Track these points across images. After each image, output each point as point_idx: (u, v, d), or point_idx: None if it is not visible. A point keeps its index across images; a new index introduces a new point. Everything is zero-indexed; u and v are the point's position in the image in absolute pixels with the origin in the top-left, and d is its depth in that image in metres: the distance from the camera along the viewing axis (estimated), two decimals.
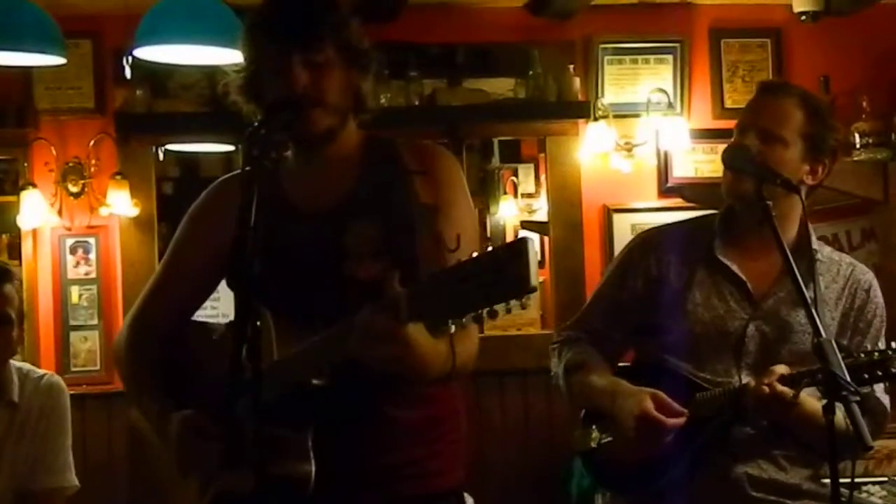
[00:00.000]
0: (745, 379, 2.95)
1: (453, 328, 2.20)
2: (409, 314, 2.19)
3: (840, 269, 3.09)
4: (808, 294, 2.74)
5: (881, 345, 3.01)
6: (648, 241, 3.23)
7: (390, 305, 2.21)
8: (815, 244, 3.04)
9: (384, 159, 2.68)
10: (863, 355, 2.85)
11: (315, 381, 2.43)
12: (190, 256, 2.81)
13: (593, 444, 3.10)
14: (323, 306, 2.49)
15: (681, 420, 2.90)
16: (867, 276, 3.13)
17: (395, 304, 2.20)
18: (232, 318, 2.29)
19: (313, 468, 2.48)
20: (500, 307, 2.06)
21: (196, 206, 2.85)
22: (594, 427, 3.11)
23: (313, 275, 2.57)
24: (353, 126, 2.69)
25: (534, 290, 2.01)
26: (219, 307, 4.10)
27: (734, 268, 3.06)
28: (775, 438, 3.01)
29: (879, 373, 2.83)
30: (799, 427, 2.92)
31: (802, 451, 3.05)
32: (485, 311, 2.07)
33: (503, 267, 2.03)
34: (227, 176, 2.87)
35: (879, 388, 3.01)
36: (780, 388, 2.80)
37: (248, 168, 2.30)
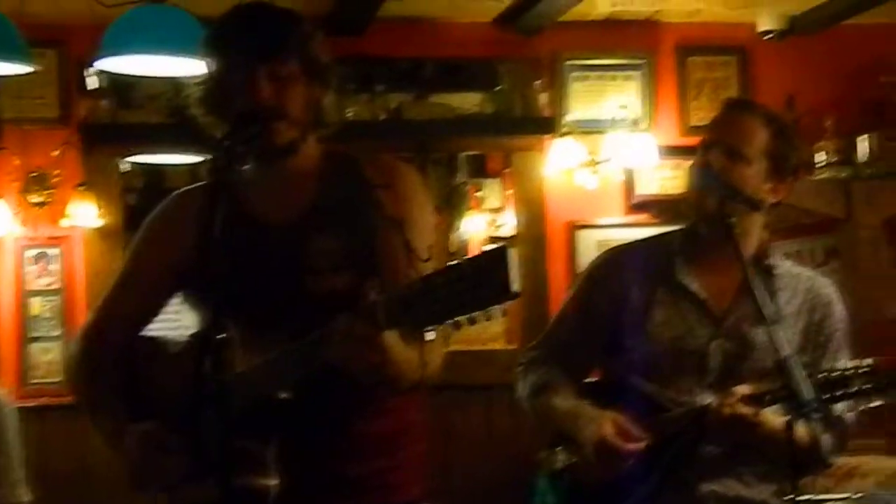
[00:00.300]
0: (709, 397, 2.96)
1: (431, 336, 2.21)
2: (388, 321, 2.20)
3: (800, 283, 3.10)
4: (769, 310, 2.75)
5: (844, 359, 3.02)
6: (611, 259, 3.24)
7: (368, 312, 2.21)
8: (774, 259, 3.05)
9: (345, 173, 2.68)
10: (822, 375, 2.86)
11: (282, 395, 2.43)
12: (145, 269, 2.79)
13: (559, 466, 3.10)
14: (285, 320, 2.48)
15: (640, 446, 2.90)
16: (828, 289, 3.14)
17: (373, 311, 2.20)
18: (193, 331, 2.28)
19: (277, 481, 2.47)
20: (478, 314, 2.06)
21: (152, 218, 2.83)
22: (559, 448, 3.11)
23: (275, 288, 2.56)
24: (313, 140, 2.69)
25: (516, 295, 2.01)
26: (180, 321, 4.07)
27: (694, 287, 3.06)
28: (740, 456, 3.01)
29: (839, 393, 2.84)
30: (763, 444, 2.93)
31: (769, 468, 3.06)
32: (465, 318, 2.08)
33: (484, 273, 2.03)
34: (183, 189, 2.86)
35: (843, 404, 3.02)
36: (741, 409, 2.81)
37: (214, 180, 2.29)
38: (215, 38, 2.64)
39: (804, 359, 2.94)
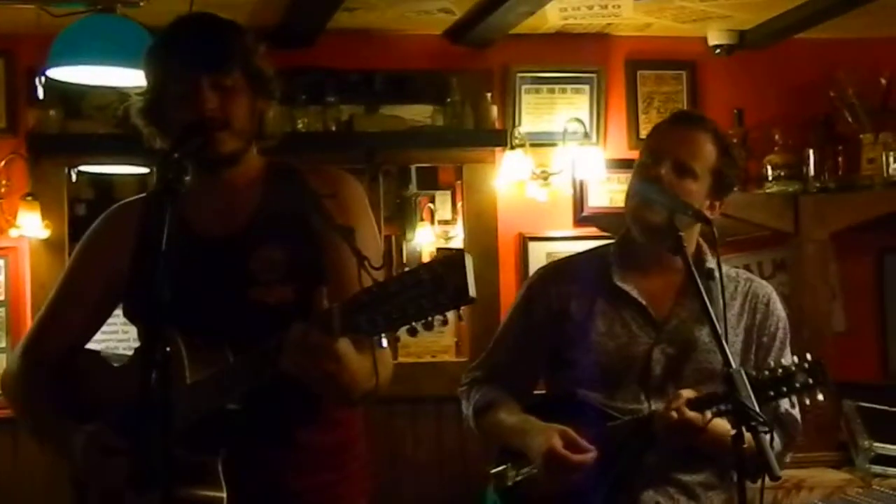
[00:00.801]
0: (654, 404, 2.97)
1: (385, 342, 2.21)
2: (343, 328, 2.20)
3: (738, 285, 3.14)
4: (716, 318, 2.77)
5: (787, 357, 3.05)
6: (547, 275, 3.25)
7: (322, 320, 2.21)
8: (711, 263, 3.08)
9: (288, 184, 2.68)
10: (766, 372, 2.89)
11: (230, 406, 2.42)
12: (84, 284, 2.78)
13: (509, 483, 3.10)
14: (232, 332, 2.48)
15: (588, 457, 2.91)
16: (766, 289, 3.18)
17: (327, 319, 2.20)
18: (136, 345, 2.27)
19: (225, 494, 2.46)
20: (435, 319, 2.10)
21: (91, 233, 2.82)
22: (509, 465, 3.11)
23: (220, 300, 2.56)
24: (255, 152, 2.69)
25: (473, 300, 2.05)
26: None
27: (634, 293, 3.08)
28: (683, 464, 3.03)
29: (784, 388, 2.88)
30: (710, 448, 2.95)
31: (713, 477, 3.08)
32: (420, 323, 2.10)
33: (442, 278, 2.06)
34: (121, 203, 2.86)
35: (789, 402, 3.04)
36: (688, 413, 2.82)
37: (162, 192, 2.28)
38: (158, 48, 2.64)
39: (749, 357, 2.98)
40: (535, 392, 3.29)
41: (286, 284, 2.56)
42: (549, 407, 3.11)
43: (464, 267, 2.05)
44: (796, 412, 3.09)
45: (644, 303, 3.08)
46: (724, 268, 3.11)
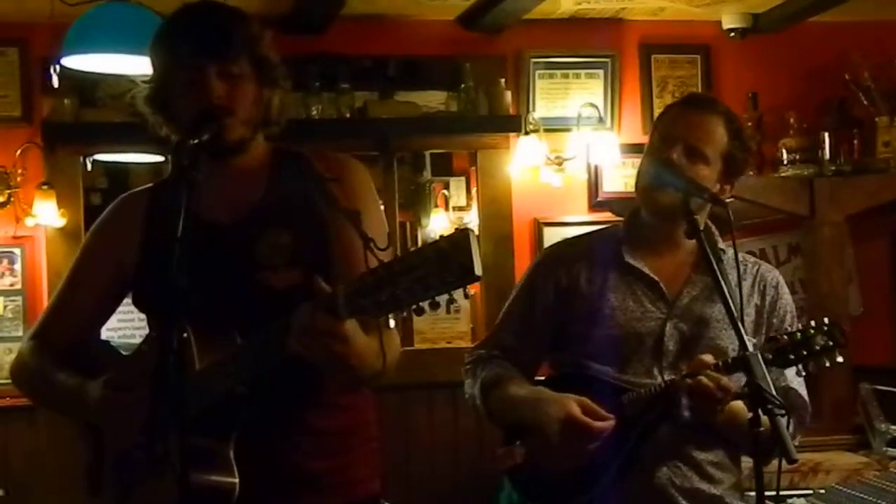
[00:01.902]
0: (668, 377, 2.98)
1: (392, 322, 2.22)
2: (349, 309, 2.21)
3: (747, 267, 3.15)
4: (735, 303, 2.77)
5: (798, 326, 3.05)
6: (554, 254, 3.26)
7: (328, 302, 2.22)
8: (722, 245, 3.08)
9: (293, 169, 2.70)
10: (786, 336, 2.89)
11: (239, 391, 2.43)
12: (93, 273, 2.79)
13: (519, 460, 3.10)
14: (240, 317, 2.49)
15: (608, 424, 2.90)
16: (773, 272, 3.19)
17: (333, 301, 2.21)
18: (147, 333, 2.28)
19: (237, 479, 2.47)
20: (441, 298, 2.10)
21: (99, 222, 2.84)
22: (518, 443, 3.11)
23: (228, 286, 2.57)
24: (260, 139, 2.70)
25: (478, 278, 2.06)
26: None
27: (645, 269, 3.09)
28: (697, 441, 3.03)
29: (805, 352, 2.87)
30: (725, 427, 2.95)
31: (726, 457, 3.08)
32: (426, 302, 2.10)
33: (447, 257, 2.07)
34: (128, 193, 2.88)
35: (798, 382, 3.04)
36: (713, 376, 2.80)
37: (179, 179, 2.28)
38: (164, 36, 2.64)
39: (759, 338, 2.98)
40: (537, 378, 3.28)
41: (293, 268, 2.57)
42: (560, 383, 3.10)
43: (469, 245, 2.05)
44: (805, 393, 3.09)
45: (656, 278, 3.08)
46: (731, 251, 3.12)
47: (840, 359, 2.89)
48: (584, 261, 3.15)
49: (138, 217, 2.74)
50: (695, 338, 3.04)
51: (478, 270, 2.05)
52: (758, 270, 3.16)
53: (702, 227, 2.99)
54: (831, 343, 2.88)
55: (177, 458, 2.18)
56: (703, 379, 2.79)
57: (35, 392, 2.83)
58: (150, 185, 2.84)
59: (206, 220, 2.61)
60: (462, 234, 2.07)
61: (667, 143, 3.03)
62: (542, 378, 3.26)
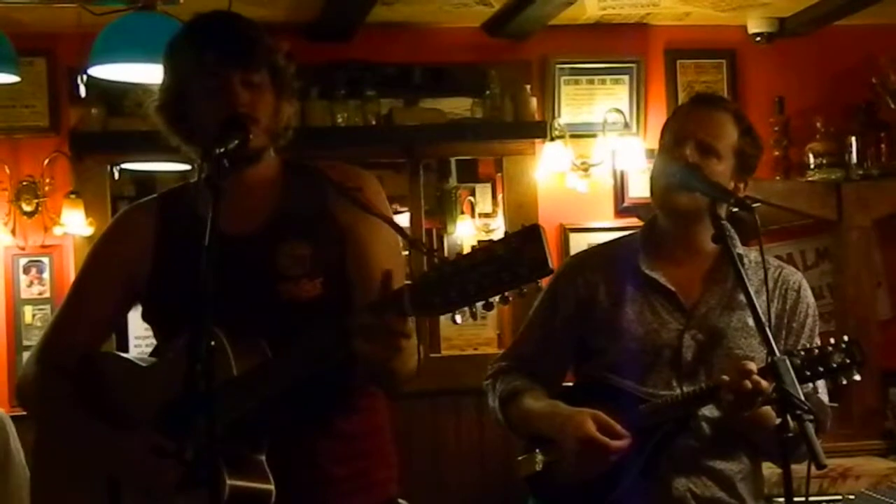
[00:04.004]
0: (686, 389, 2.97)
1: (459, 318, 2.23)
2: (415, 307, 2.23)
3: (768, 270, 3.11)
4: (762, 309, 2.76)
5: (816, 343, 3.04)
6: (573, 265, 3.25)
7: (395, 300, 2.24)
8: (741, 249, 3.06)
9: (306, 180, 2.70)
10: (802, 353, 2.88)
11: (271, 397, 2.43)
12: (100, 287, 2.76)
13: (538, 468, 3.10)
14: (266, 328, 2.49)
15: (624, 443, 2.90)
16: (796, 276, 3.17)
17: (398, 299, 2.23)
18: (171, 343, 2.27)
19: (273, 485, 2.47)
20: (512, 293, 2.14)
21: (104, 236, 2.83)
22: (537, 450, 3.10)
23: (250, 298, 2.56)
24: (271, 150, 2.70)
25: (551, 271, 2.11)
26: None
27: (662, 280, 3.08)
28: (718, 451, 3.01)
29: (821, 368, 2.86)
30: (752, 432, 2.93)
31: (750, 464, 3.07)
32: (497, 297, 2.14)
33: (517, 251, 2.12)
34: (133, 205, 2.89)
35: (821, 386, 3.03)
36: (763, 382, 2.77)
37: (209, 188, 2.29)
38: (183, 45, 2.64)
39: (779, 343, 2.96)
40: (566, 384, 3.28)
41: (313, 278, 2.58)
42: (581, 393, 3.10)
43: (540, 238, 2.11)
44: (825, 396, 3.07)
45: (673, 289, 3.07)
46: (753, 254, 3.10)
47: (857, 377, 2.88)
48: (602, 272, 3.15)
49: (148, 229, 2.72)
50: (712, 347, 3.02)
51: (551, 263, 2.08)
52: (780, 274, 3.14)
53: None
54: (849, 361, 2.86)
55: (213, 466, 2.18)
56: (748, 383, 2.76)
57: (47, 418, 2.75)
58: (154, 196, 2.84)
59: (221, 231, 2.60)
60: (533, 227, 2.13)
61: (678, 141, 3.02)
62: (567, 384, 3.26)
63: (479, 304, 2.17)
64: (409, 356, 2.41)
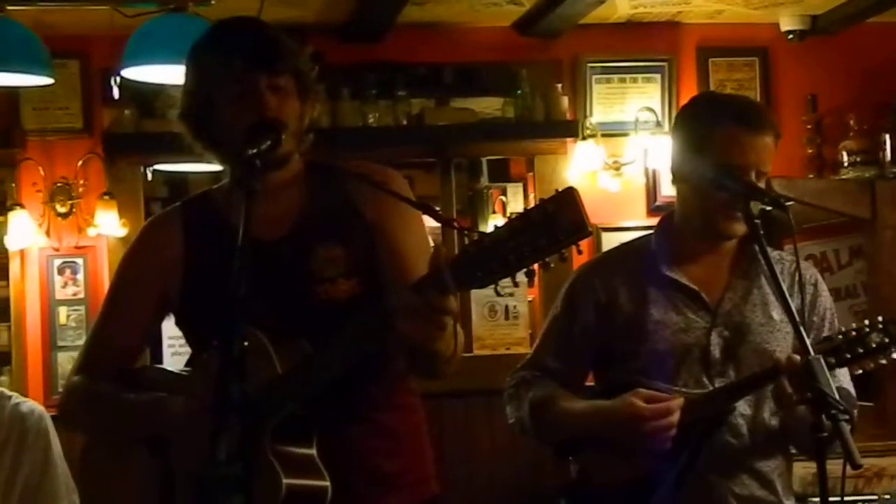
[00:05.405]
0: (718, 385, 2.95)
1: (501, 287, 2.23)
2: (457, 283, 2.22)
3: (784, 266, 3.10)
4: (796, 306, 2.75)
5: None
6: (589, 270, 3.21)
7: (436, 278, 2.23)
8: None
9: (331, 180, 2.70)
10: (840, 336, 2.85)
11: (317, 392, 2.42)
12: (137, 302, 2.75)
13: (572, 476, 3.08)
14: (304, 331, 2.48)
15: (680, 400, 2.86)
16: (811, 270, 3.18)
17: (439, 277, 2.22)
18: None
19: (328, 482, 2.47)
20: (553, 258, 2.14)
21: (133, 246, 2.83)
22: (570, 458, 3.09)
23: (287, 302, 2.56)
24: (296, 154, 2.70)
25: (590, 233, 2.10)
26: None
27: (684, 280, 3.06)
28: (764, 449, 3.00)
29: (860, 349, 2.84)
30: (793, 422, 2.91)
31: (785, 461, 3.05)
32: (537, 264, 2.14)
33: (553, 216, 2.10)
34: (158, 215, 2.91)
35: (848, 381, 3.00)
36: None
37: (242, 192, 2.29)
38: (208, 50, 2.65)
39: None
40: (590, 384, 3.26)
41: (350, 278, 2.58)
42: (608, 397, 3.06)
43: (576, 200, 2.09)
44: (854, 392, 3.04)
45: (696, 288, 3.05)
46: (769, 250, 3.07)
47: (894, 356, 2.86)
48: (621, 276, 3.12)
49: (176, 237, 2.72)
50: (739, 343, 3.01)
51: (589, 225, 2.09)
52: (797, 269, 3.11)
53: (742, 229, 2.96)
54: (887, 340, 2.85)
55: (269, 466, 2.24)
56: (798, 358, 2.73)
57: (94, 416, 2.74)
58: (177, 204, 2.84)
59: (253, 235, 2.59)
60: (567, 191, 2.11)
61: (740, 168, 2.96)
62: (591, 385, 3.24)
63: (522, 271, 2.16)
64: (451, 337, 2.38)
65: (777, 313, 2.94)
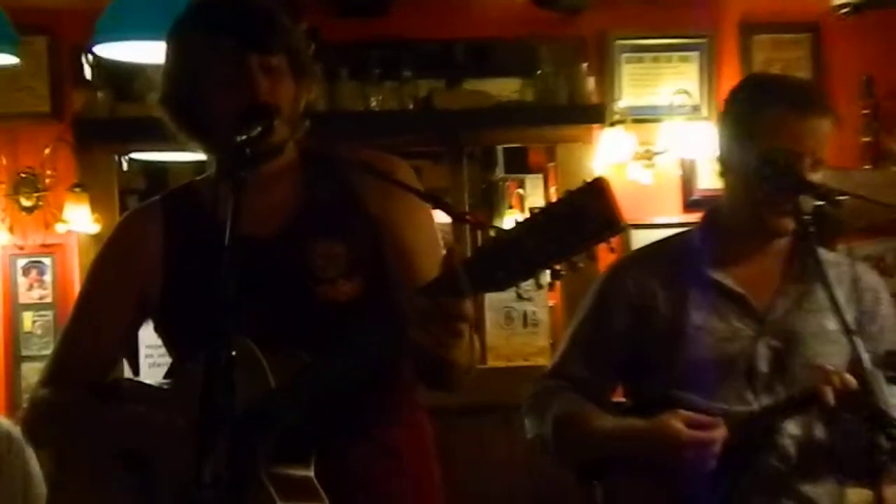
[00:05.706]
0: (763, 403, 2.96)
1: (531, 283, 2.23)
2: (474, 285, 2.22)
3: (841, 269, 3.10)
4: (850, 317, 2.75)
5: None
6: (621, 270, 3.21)
7: (449, 281, 2.23)
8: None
9: (330, 171, 2.70)
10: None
11: (314, 408, 2.43)
12: (111, 307, 2.75)
13: (598, 501, 3.09)
14: (303, 334, 2.49)
15: (723, 430, 2.87)
16: (870, 275, 3.17)
17: (452, 279, 2.22)
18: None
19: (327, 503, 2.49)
20: (580, 258, 2.13)
21: (108, 247, 2.82)
22: (595, 483, 3.10)
23: (284, 303, 2.57)
24: (291, 141, 2.69)
25: (623, 229, 2.09)
26: None
27: (729, 282, 3.05)
28: (811, 472, 3.00)
29: None
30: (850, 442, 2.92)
31: (836, 485, 3.06)
32: (564, 263, 2.12)
33: (581, 209, 2.10)
34: (135, 209, 2.90)
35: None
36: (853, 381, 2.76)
37: (230, 182, 2.29)
38: (190, 27, 2.64)
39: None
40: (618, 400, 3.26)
41: (351, 278, 2.58)
42: (642, 412, 3.07)
43: (606, 192, 2.09)
44: None
45: (742, 292, 3.05)
46: (823, 252, 3.06)
47: None
48: (658, 277, 3.12)
49: (155, 234, 2.73)
50: (789, 355, 3.01)
51: (622, 219, 2.08)
52: (855, 273, 3.12)
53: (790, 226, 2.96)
54: None
55: (262, 489, 2.26)
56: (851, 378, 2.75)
57: (62, 428, 2.74)
58: (156, 197, 2.84)
59: (243, 232, 2.59)
60: (597, 181, 2.11)
61: (796, 157, 2.96)
62: (622, 402, 3.24)
63: (547, 272, 2.15)
64: (468, 344, 2.38)
65: (834, 323, 2.90)
